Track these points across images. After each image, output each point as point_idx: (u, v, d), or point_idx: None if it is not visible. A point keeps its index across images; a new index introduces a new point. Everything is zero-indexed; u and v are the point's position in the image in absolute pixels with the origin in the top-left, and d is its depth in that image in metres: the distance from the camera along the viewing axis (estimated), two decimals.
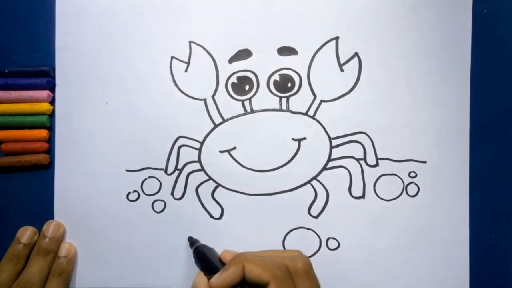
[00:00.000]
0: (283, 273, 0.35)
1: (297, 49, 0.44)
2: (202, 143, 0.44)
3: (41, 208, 0.44)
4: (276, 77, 0.44)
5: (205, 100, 0.44)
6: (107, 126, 0.44)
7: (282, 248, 0.43)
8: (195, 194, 0.44)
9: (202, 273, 0.38)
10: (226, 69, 0.44)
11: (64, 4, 0.44)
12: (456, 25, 0.43)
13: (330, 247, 0.44)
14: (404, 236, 0.43)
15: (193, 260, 0.40)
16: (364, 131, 0.44)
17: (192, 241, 0.42)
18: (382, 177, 0.44)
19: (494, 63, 0.44)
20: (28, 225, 0.43)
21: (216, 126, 0.44)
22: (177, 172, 0.44)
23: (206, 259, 0.39)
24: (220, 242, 0.43)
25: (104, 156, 0.44)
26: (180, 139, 0.44)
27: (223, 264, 0.38)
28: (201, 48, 0.44)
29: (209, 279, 0.36)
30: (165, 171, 0.44)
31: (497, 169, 0.44)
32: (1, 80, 0.43)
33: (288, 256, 0.37)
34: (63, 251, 0.43)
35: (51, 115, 0.44)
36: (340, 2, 0.44)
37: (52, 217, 0.44)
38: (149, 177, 0.44)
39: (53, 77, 0.44)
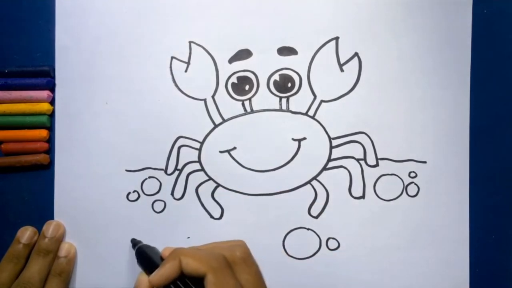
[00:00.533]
0: (220, 263, 0.34)
1: (297, 49, 0.44)
2: (202, 143, 0.44)
3: (41, 208, 0.44)
4: (276, 77, 0.44)
5: (205, 100, 0.44)
6: (107, 126, 0.44)
7: (281, 248, 0.43)
8: (195, 194, 0.44)
9: (143, 273, 0.37)
10: (226, 69, 0.44)
11: (64, 4, 0.44)
12: (456, 25, 0.43)
13: (330, 247, 0.43)
14: (404, 236, 0.43)
15: None
16: (364, 131, 0.44)
17: (134, 242, 0.42)
18: (382, 177, 0.44)
19: (494, 63, 0.44)
20: (28, 225, 0.43)
21: (216, 126, 0.44)
22: (177, 172, 0.44)
23: (146, 258, 0.38)
24: None
25: (104, 156, 0.44)
26: (180, 139, 0.44)
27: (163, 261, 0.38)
28: (201, 48, 0.44)
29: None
30: (165, 171, 0.44)
31: (497, 169, 0.44)
32: (1, 80, 0.43)
33: (227, 247, 0.37)
34: (63, 251, 0.43)
35: (51, 115, 0.44)
36: (340, 2, 0.44)
37: (52, 217, 0.44)
38: (149, 177, 0.44)
39: (53, 77, 0.44)
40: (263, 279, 0.37)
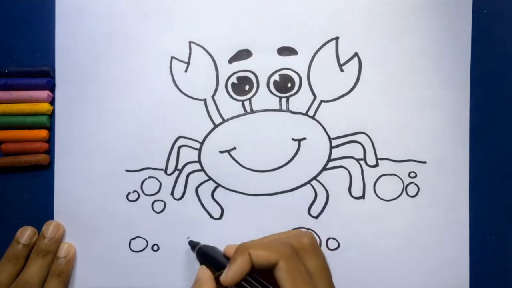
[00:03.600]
0: (290, 250, 0.34)
1: (297, 49, 0.44)
2: (202, 143, 0.44)
3: (41, 208, 0.44)
4: (276, 77, 0.44)
5: (205, 100, 0.44)
6: (107, 126, 0.44)
7: None
8: (195, 194, 0.44)
9: (204, 266, 0.36)
10: (226, 69, 0.44)
11: (64, 4, 0.44)
12: (456, 25, 0.43)
13: (330, 247, 0.43)
14: (404, 236, 0.43)
15: (193, 259, 0.40)
16: (364, 131, 0.44)
17: (193, 244, 0.41)
18: (382, 177, 0.44)
19: (494, 63, 0.44)
20: (27, 225, 0.43)
21: (216, 126, 0.44)
22: (177, 172, 0.44)
23: (210, 258, 0.38)
24: (220, 242, 0.43)
25: (104, 156, 0.44)
26: (180, 139, 0.44)
27: (228, 259, 0.37)
28: (201, 48, 0.44)
29: (217, 276, 0.35)
30: (165, 171, 0.44)
31: (497, 169, 0.44)
32: (1, 80, 0.43)
33: (293, 235, 0.37)
34: (62, 252, 0.42)
35: (51, 115, 0.44)
36: (340, 2, 0.44)
37: (51, 217, 0.44)
38: (149, 177, 0.44)
39: (53, 77, 0.44)
40: (329, 267, 0.36)
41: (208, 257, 0.38)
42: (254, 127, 0.44)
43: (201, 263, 0.39)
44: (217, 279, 0.35)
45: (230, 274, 0.33)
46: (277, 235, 0.38)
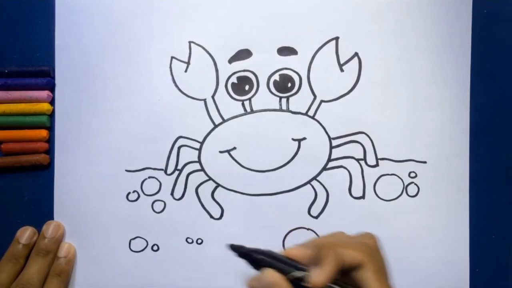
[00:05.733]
0: (372, 251, 0.33)
1: (297, 49, 0.44)
2: (202, 143, 0.44)
3: (41, 208, 0.44)
4: (276, 77, 0.44)
5: (205, 100, 0.44)
6: (107, 126, 0.44)
7: (281, 248, 0.43)
8: (195, 194, 0.44)
9: (270, 269, 0.32)
10: (226, 69, 0.44)
11: (64, 4, 0.44)
12: (456, 25, 0.43)
13: None
14: (404, 236, 0.43)
15: (192, 260, 0.40)
16: (364, 131, 0.44)
17: (239, 251, 0.34)
18: (382, 177, 0.44)
19: (494, 63, 0.44)
20: (28, 225, 0.43)
21: (216, 126, 0.44)
22: (177, 172, 0.44)
23: (276, 260, 0.33)
24: (220, 242, 0.43)
25: (104, 156, 0.44)
26: (180, 139, 0.44)
27: (293, 261, 0.33)
28: (201, 48, 0.44)
29: (289, 278, 0.31)
30: (165, 171, 0.44)
31: (497, 169, 0.44)
32: (1, 80, 0.43)
33: (361, 236, 0.36)
34: (62, 252, 0.43)
35: (51, 115, 0.44)
36: (340, 2, 0.44)
37: (51, 217, 0.44)
38: (149, 177, 0.44)
39: (53, 77, 0.44)
40: None
41: (270, 262, 0.33)
42: (254, 127, 0.44)
43: (256, 268, 0.33)
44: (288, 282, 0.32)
45: (324, 274, 0.31)
46: (333, 237, 0.36)
